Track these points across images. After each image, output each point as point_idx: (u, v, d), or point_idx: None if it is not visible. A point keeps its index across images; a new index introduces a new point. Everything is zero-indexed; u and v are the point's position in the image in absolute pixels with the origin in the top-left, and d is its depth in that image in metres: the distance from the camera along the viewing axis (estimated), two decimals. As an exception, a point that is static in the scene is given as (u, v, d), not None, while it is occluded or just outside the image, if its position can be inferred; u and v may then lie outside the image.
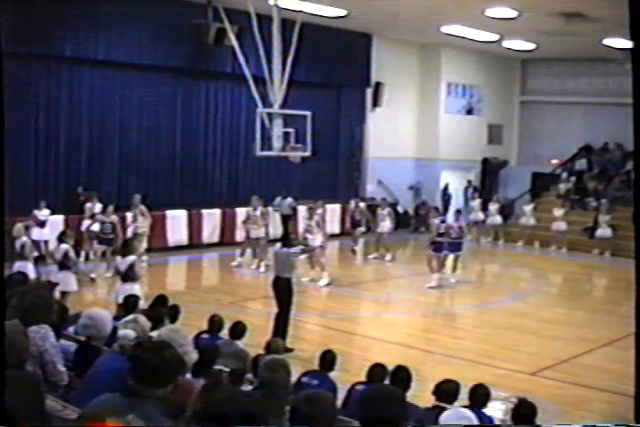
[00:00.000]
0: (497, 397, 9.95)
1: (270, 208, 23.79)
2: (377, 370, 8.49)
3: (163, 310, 10.20)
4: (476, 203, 30.79)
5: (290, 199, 25.32)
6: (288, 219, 25.42)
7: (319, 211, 21.97)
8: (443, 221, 21.09)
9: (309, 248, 16.98)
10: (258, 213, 22.33)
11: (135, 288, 13.48)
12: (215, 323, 10.90)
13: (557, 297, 20.81)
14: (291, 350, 12.98)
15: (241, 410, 3.64)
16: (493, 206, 30.19)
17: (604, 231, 27.92)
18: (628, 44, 25.74)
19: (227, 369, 6.30)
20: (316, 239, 20.46)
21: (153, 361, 4.38)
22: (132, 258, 14.04)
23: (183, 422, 4.44)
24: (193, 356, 7.25)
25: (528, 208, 30.24)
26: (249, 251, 22.46)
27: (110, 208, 20.52)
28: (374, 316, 16.02)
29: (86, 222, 21.24)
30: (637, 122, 5.59)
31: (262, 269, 21.70)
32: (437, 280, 20.05)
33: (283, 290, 14.14)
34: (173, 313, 10.38)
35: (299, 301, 14.65)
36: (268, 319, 14.93)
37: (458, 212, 23.63)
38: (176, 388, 4.49)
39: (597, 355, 14.74)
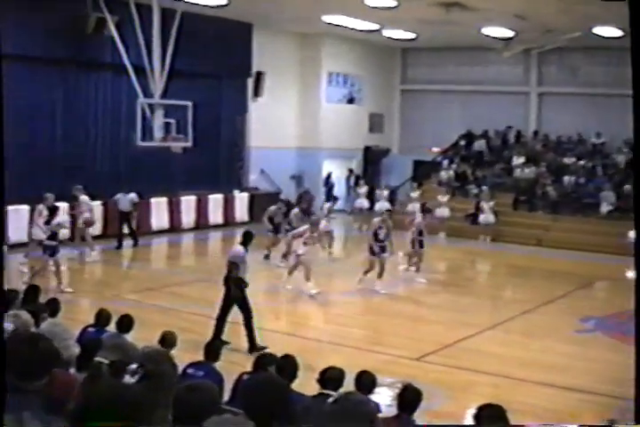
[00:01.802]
0: (383, 383, 10.01)
1: (86, 198, 22.55)
2: (264, 359, 8.44)
3: (43, 304, 10.07)
4: (363, 190, 31.01)
5: (132, 195, 23.94)
6: (127, 215, 24.03)
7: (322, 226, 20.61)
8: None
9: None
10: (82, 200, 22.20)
11: None
12: (102, 317, 10.75)
13: (442, 283, 21.04)
14: (264, 348, 12.89)
15: (121, 401, 3.57)
16: (382, 193, 30.46)
17: (487, 217, 28.39)
18: (507, 32, 26.20)
19: (106, 361, 6.21)
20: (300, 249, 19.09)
21: (25, 353, 4.27)
22: None
23: (63, 416, 4.33)
24: (75, 350, 7.13)
25: (415, 195, 30.54)
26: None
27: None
28: (259, 306, 15.90)
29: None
30: (637, 118, 5.63)
31: (91, 256, 21.92)
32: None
33: (234, 290, 13.86)
34: (53, 307, 10.24)
35: (185, 293, 14.48)
36: (153, 312, 14.81)
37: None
38: (53, 381, 4.38)
39: (481, 339, 15.00)
